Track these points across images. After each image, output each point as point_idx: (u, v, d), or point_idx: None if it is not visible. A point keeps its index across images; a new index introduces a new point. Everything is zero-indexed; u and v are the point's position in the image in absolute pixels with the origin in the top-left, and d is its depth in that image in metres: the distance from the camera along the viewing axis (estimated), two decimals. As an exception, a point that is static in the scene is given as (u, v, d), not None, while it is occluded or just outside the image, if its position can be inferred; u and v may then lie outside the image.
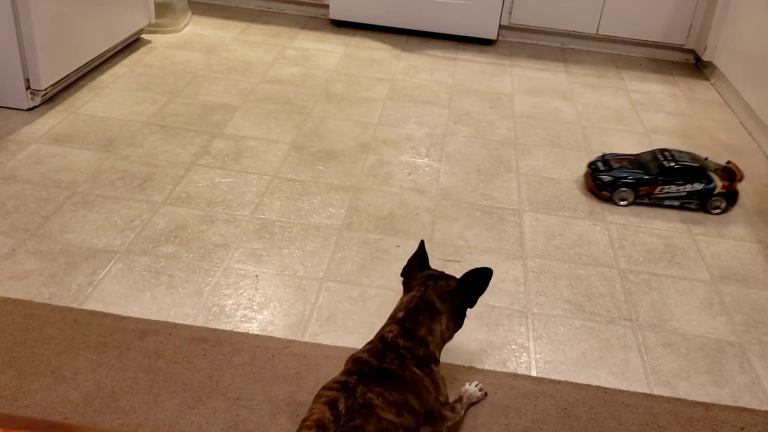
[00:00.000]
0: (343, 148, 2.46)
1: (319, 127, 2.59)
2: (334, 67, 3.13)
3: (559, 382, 1.58)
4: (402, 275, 1.42)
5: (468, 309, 1.37)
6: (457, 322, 1.36)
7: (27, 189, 2.07)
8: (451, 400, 1.38)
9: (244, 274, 1.82)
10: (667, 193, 2.23)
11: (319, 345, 1.60)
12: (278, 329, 1.65)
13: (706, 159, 2.32)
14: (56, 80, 2.55)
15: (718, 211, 2.26)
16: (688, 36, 3.53)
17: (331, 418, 1.11)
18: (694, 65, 3.60)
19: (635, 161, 2.32)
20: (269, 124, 2.58)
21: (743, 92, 2.98)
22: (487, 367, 1.60)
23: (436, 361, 1.30)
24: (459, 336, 1.68)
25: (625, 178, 2.25)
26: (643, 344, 1.72)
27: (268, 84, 2.90)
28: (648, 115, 2.98)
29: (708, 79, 3.43)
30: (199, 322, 1.65)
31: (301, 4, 3.74)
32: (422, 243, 1.43)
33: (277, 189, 2.19)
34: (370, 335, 1.65)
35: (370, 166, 2.37)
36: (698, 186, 2.22)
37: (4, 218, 1.93)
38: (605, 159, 2.35)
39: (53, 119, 2.46)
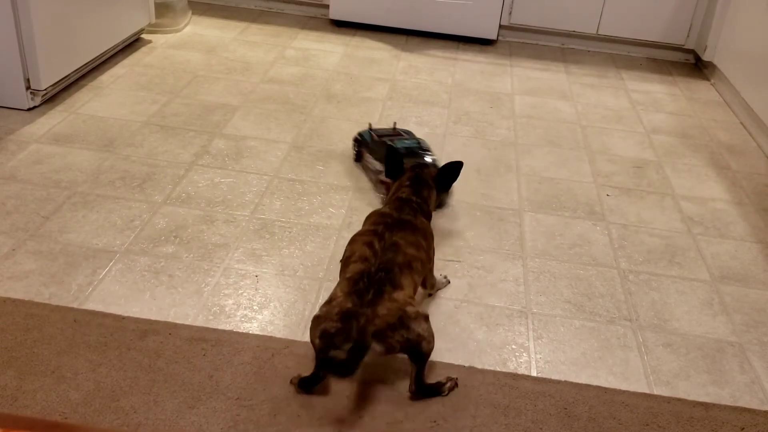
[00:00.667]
0: (344, 148, 2.46)
1: (319, 127, 2.59)
2: (334, 67, 3.13)
3: (559, 382, 1.58)
4: (388, 175, 1.85)
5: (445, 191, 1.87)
6: (439, 196, 1.84)
7: (27, 189, 2.07)
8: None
9: (244, 274, 1.82)
10: (370, 162, 2.28)
11: (319, 345, 1.60)
12: (278, 329, 1.65)
13: (427, 154, 2.25)
14: (56, 80, 2.55)
15: (381, 195, 2.20)
16: (688, 36, 3.53)
17: (371, 253, 1.49)
18: (694, 65, 3.60)
19: (391, 134, 2.37)
20: (269, 124, 2.58)
21: (743, 92, 2.98)
22: (487, 367, 1.60)
23: (430, 219, 1.73)
24: (459, 336, 1.68)
25: (359, 136, 2.37)
26: (643, 344, 1.72)
27: (268, 84, 2.90)
28: (648, 115, 2.98)
29: (708, 79, 3.43)
30: (199, 322, 1.65)
31: (301, 4, 3.74)
32: (390, 147, 1.90)
33: (277, 189, 2.19)
34: (370, 335, 1.65)
35: (370, 166, 2.37)
36: (380, 167, 2.21)
37: (4, 218, 1.93)
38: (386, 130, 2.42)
39: (53, 119, 2.46)
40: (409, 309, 1.41)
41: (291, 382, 1.48)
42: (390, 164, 1.84)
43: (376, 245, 1.51)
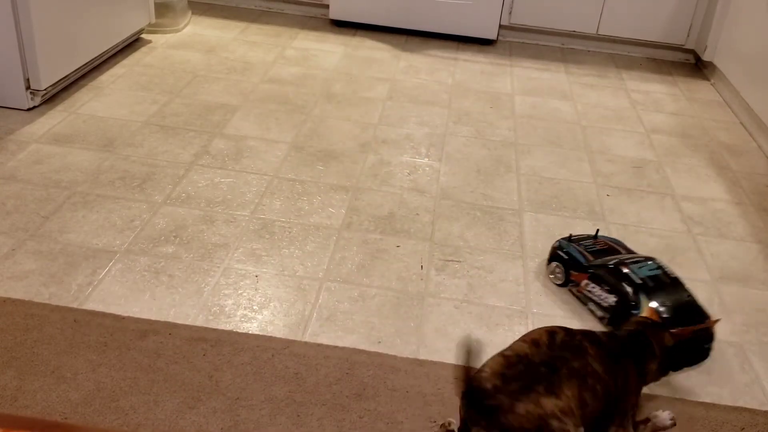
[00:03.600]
0: (343, 148, 2.46)
1: (319, 127, 2.59)
2: (334, 67, 3.13)
3: (559, 382, 1.57)
4: (611, 323, 1.47)
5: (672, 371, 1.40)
6: (661, 373, 1.38)
7: (27, 189, 2.07)
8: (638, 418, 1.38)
9: (244, 274, 1.82)
10: (595, 293, 1.76)
11: (319, 345, 1.60)
12: (278, 329, 1.65)
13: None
14: (56, 80, 2.55)
15: None
16: (688, 36, 3.53)
17: (546, 342, 1.20)
18: (694, 65, 3.60)
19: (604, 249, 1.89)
20: (269, 124, 2.58)
21: (743, 92, 2.98)
22: (487, 367, 1.60)
23: (641, 386, 1.31)
24: (459, 336, 1.68)
25: (564, 254, 1.86)
26: (643, 344, 1.72)
27: (268, 84, 2.90)
28: (648, 115, 2.98)
29: (708, 79, 3.43)
30: (199, 322, 1.65)
31: (301, 4, 3.74)
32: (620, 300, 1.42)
33: (277, 189, 2.19)
34: (370, 335, 1.65)
35: (370, 166, 2.37)
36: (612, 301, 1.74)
37: (4, 218, 1.93)
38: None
39: (53, 119, 2.46)
40: (555, 423, 1.10)
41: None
42: (617, 314, 1.47)
43: (558, 337, 1.22)
